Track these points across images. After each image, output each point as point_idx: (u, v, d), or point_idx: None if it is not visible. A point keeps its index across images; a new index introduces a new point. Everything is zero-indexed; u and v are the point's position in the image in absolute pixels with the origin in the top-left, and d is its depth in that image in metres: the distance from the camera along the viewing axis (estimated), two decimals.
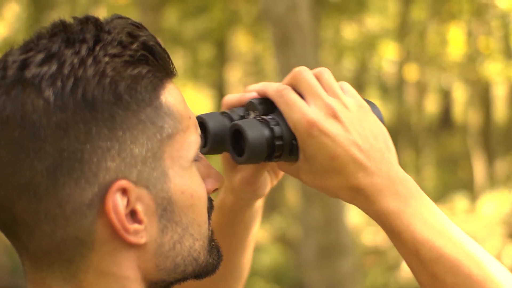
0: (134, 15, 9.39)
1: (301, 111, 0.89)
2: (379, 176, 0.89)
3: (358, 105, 0.91)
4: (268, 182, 1.08)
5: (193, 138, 0.85)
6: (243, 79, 16.10)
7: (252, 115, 0.95)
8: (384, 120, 0.95)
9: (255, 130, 0.90)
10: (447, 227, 0.88)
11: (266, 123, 0.91)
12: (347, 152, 0.88)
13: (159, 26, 8.65)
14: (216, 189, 0.90)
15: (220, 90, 14.16)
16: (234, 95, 1.00)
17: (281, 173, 1.08)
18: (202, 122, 0.98)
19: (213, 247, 0.89)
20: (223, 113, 0.99)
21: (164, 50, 0.83)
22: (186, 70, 15.06)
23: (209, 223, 0.88)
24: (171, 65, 0.84)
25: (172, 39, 12.01)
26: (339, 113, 0.89)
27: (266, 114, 0.93)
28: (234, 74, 14.86)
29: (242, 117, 0.97)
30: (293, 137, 0.90)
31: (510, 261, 6.99)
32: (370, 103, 0.95)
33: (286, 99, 0.91)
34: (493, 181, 9.63)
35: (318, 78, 0.92)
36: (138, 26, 0.83)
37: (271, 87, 0.93)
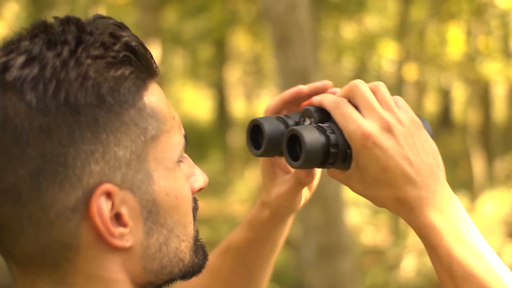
0: (134, 15, 9.38)
1: (357, 123, 0.91)
2: (426, 190, 0.91)
3: (411, 120, 0.94)
4: (302, 196, 1.10)
5: (177, 139, 0.85)
6: (242, 78, 16.09)
7: (307, 121, 0.98)
8: (433, 136, 0.98)
9: (312, 136, 0.93)
10: (483, 248, 0.90)
11: (322, 130, 0.94)
12: (398, 165, 0.91)
13: (158, 26, 8.64)
14: (200, 189, 0.90)
15: (219, 89, 14.16)
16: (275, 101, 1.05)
17: (314, 186, 1.11)
18: (257, 125, 1.00)
19: (199, 247, 0.89)
20: (278, 118, 1.01)
21: (146, 50, 0.83)
22: (186, 70, 15.06)
23: (194, 224, 0.88)
24: (154, 65, 0.84)
25: (172, 39, 12.01)
26: (393, 127, 0.92)
27: (321, 122, 0.96)
28: (233, 73, 14.86)
29: (297, 123, 1.00)
30: (347, 146, 0.93)
31: (510, 260, 6.99)
32: (421, 118, 0.98)
33: (342, 111, 0.93)
34: (492, 181, 9.62)
35: (373, 92, 0.94)
36: (120, 26, 0.82)
37: (327, 98, 0.96)
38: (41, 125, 0.76)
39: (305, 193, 1.11)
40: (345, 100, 0.94)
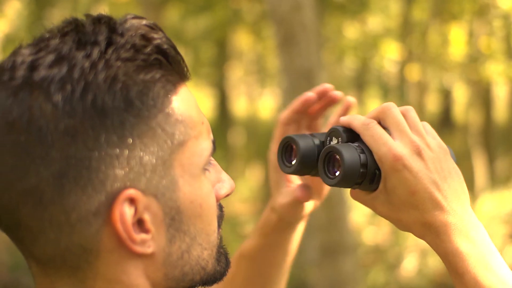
0: (135, 13, 9.34)
1: (388, 145, 0.92)
2: (453, 216, 0.92)
3: (439, 146, 0.95)
4: (305, 207, 1.11)
5: (205, 145, 0.83)
6: (244, 77, 16.10)
7: (334, 141, 0.98)
8: (457, 163, 0.99)
9: (351, 154, 0.93)
10: (508, 277, 0.91)
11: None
12: (427, 189, 0.91)
13: (160, 24, 8.63)
14: (227, 195, 0.89)
15: (221, 88, 14.16)
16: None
17: (325, 194, 1.13)
18: (290, 142, 1.01)
19: (221, 255, 0.88)
20: (308, 136, 1.02)
21: (178, 53, 0.81)
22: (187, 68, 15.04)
23: (218, 232, 0.87)
24: (185, 69, 0.82)
25: (174, 38, 11.99)
26: (423, 151, 0.92)
27: (351, 142, 0.96)
28: (235, 72, 14.87)
29: (323, 143, 1.00)
30: (376, 167, 0.94)
31: (511, 261, 7.00)
32: (447, 146, 0.99)
33: (372, 132, 0.94)
34: (493, 181, 9.63)
35: (404, 115, 0.95)
36: (153, 27, 0.81)
37: (357, 119, 0.96)
38: (67, 127, 0.75)
39: (316, 202, 1.12)
40: (375, 122, 0.94)
